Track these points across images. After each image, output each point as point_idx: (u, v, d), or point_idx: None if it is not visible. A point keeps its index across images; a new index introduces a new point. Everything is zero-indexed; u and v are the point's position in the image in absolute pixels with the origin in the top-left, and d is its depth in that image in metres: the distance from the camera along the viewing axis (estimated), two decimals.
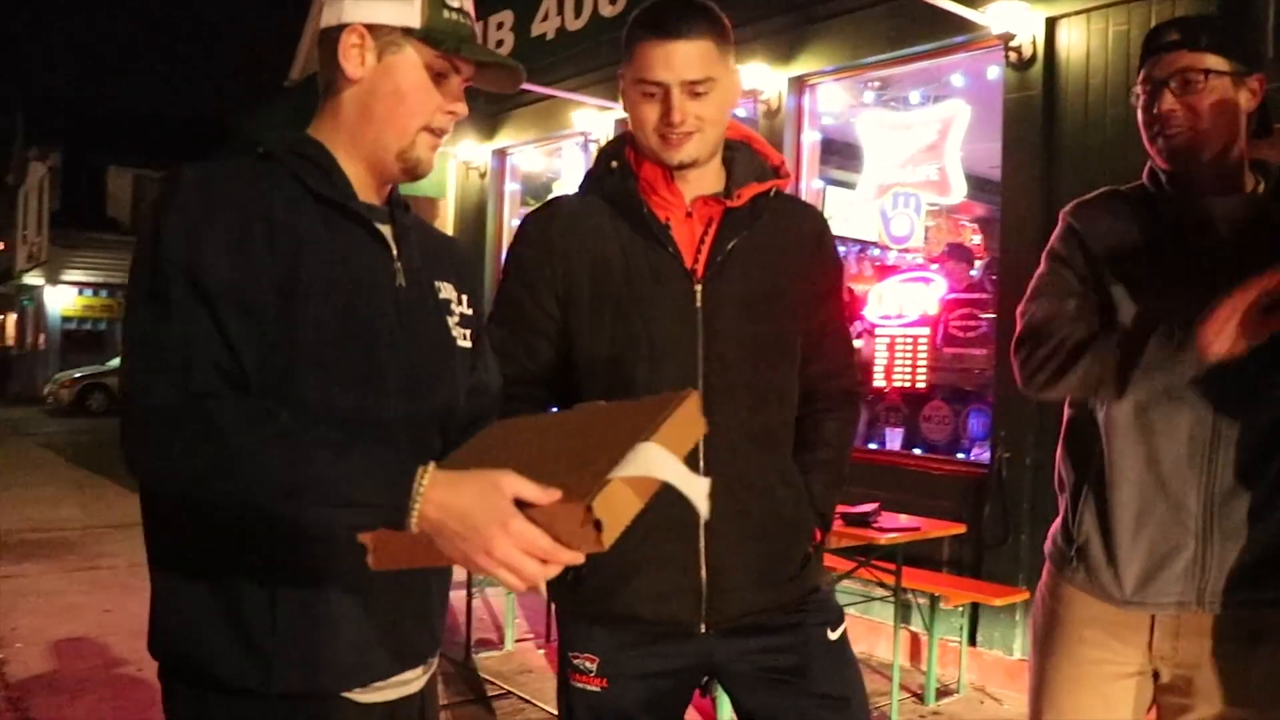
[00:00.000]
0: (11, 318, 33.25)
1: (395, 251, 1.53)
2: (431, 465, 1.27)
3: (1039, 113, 4.82)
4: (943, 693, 4.72)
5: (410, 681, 1.55)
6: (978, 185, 5.93)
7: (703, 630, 1.90)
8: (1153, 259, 1.95)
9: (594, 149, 7.58)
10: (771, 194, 2.00)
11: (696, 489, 1.32)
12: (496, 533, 1.20)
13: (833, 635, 2.01)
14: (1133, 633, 1.96)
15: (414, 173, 1.52)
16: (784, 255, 1.99)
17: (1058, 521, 2.10)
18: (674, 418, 1.37)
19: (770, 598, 1.93)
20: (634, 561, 1.81)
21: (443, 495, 1.24)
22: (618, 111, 7.31)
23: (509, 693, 4.62)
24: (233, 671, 1.39)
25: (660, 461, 1.27)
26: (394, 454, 1.32)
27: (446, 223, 9.04)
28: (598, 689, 1.93)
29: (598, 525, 1.18)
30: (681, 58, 1.83)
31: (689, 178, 1.94)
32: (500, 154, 8.69)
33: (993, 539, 4.82)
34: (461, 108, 1.53)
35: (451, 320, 1.62)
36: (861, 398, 2.18)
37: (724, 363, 1.90)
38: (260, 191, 1.41)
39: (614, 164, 1.98)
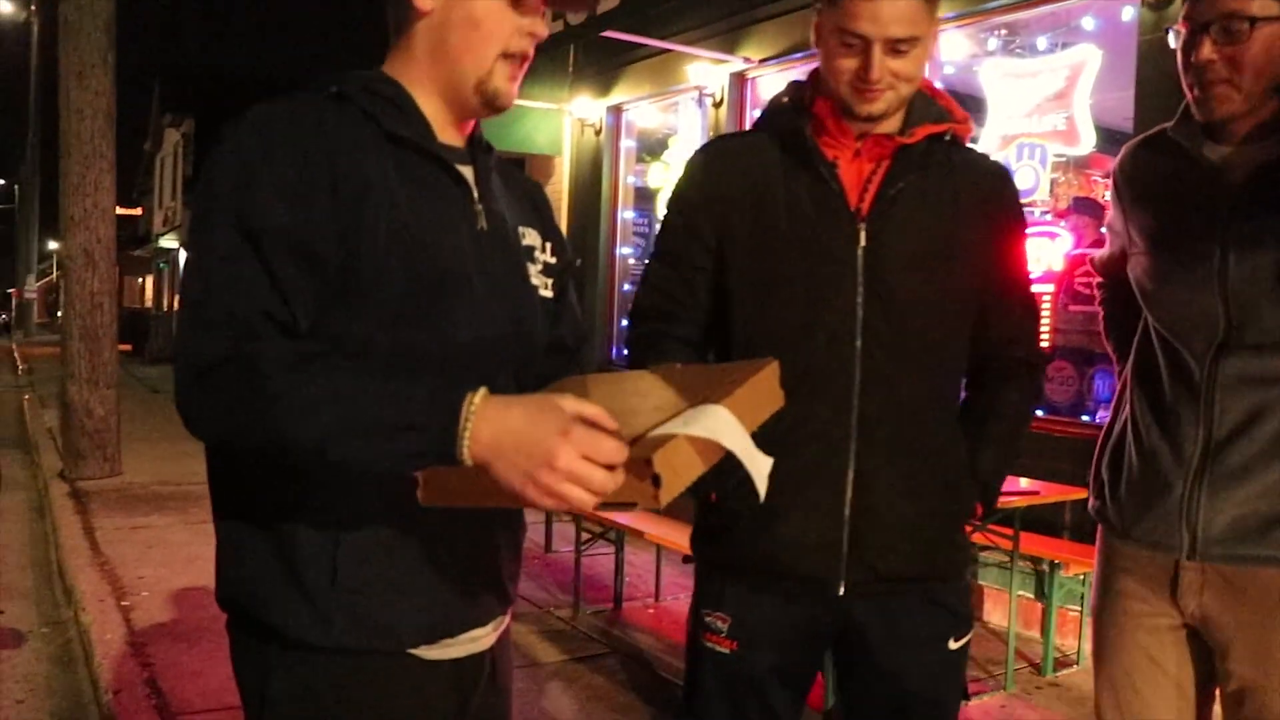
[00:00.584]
0: (149, 280, 34.50)
1: (476, 194, 1.46)
2: (483, 389, 1.19)
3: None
4: (1061, 663, 4.56)
5: (479, 639, 1.49)
6: (1108, 138, 5.66)
7: (841, 592, 1.81)
8: (1169, 206, 1.88)
9: (709, 103, 7.49)
10: (948, 138, 1.87)
11: (759, 466, 1.25)
12: (559, 442, 1.13)
13: (954, 645, 1.90)
14: (1158, 582, 1.89)
15: (494, 104, 1.45)
16: (958, 205, 1.87)
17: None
18: (750, 384, 1.30)
19: (916, 564, 1.84)
20: (779, 506, 1.71)
21: (497, 413, 1.17)
22: (734, 65, 7.22)
23: (612, 651, 4.61)
24: (293, 624, 1.35)
25: (727, 427, 1.21)
26: (442, 380, 1.24)
27: (562, 180, 9.04)
28: (727, 651, 1.87)
29: (656, 480, 1.12)
30: (890, 14, 1.71)
31: (870, 123, 1.83)
32: (615, 110, 8.63)
33: None
34: (541, 28, 1.44)
35: (534, 268, 1.55)
36: (1043, 370, 2.05)
37: (886, 311, 1.80)
38: (325, 132, 1.34)
39: (786, 99, 1.91)
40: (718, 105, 7.41)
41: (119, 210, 9.19)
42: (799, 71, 7.54)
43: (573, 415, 1.15)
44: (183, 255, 28.75)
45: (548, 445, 1.13)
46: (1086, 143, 5.37)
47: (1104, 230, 2.15)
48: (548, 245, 1.60)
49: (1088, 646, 4.59)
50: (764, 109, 1.98)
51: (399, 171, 1.38)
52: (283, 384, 1.20)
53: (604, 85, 8.54)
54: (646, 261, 2.03)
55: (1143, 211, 1.93)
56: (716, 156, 1.96)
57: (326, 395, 1.20)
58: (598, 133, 8.71)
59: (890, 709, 1.90)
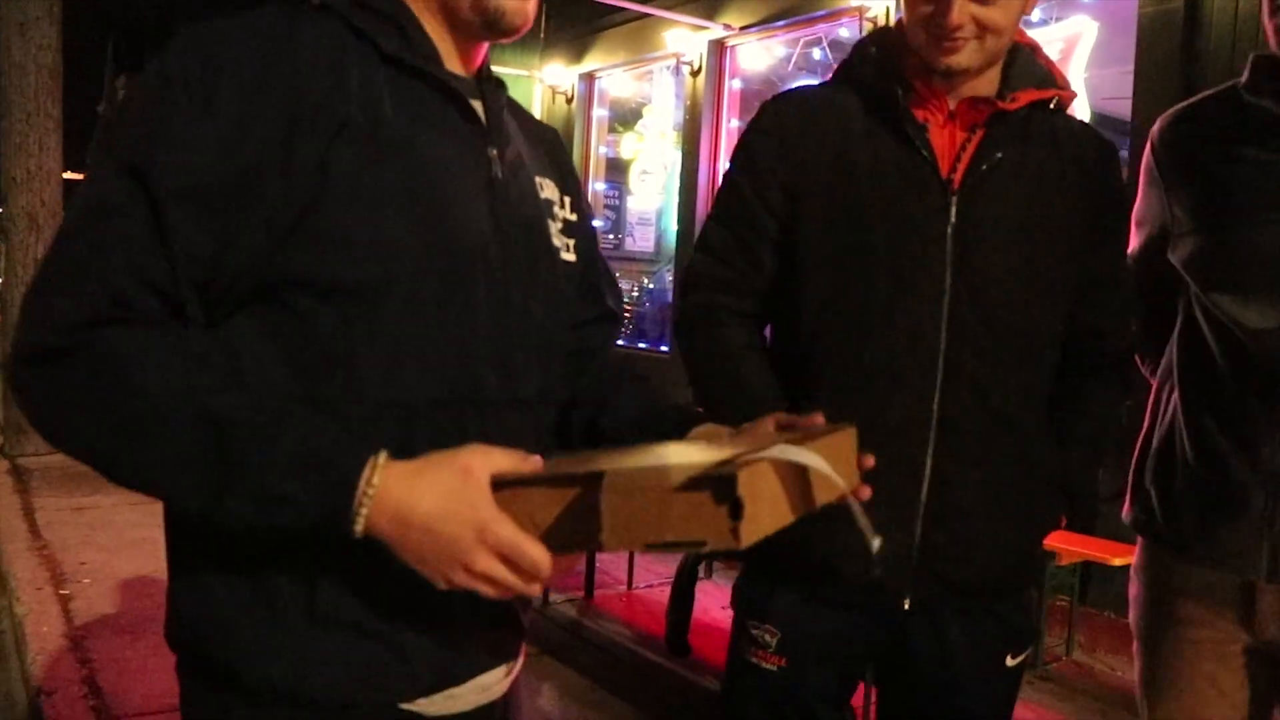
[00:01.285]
0: None
1: (490, 135, 1.21)
2: (383, 455, 0.99)
3: (1179, 28, 4.37)
4: (1051, 656, 4.41)
5: (490, 687, 1.23)
6: (1098, 123, 5.49)
7: (906, 605, 1.62)
8: (1239, 174, 1.67)
9: (686, 72, 7.27)
10: (1053, 105, 1.67)
11: (865, 522, 1.06)
12: (471, 544, 0.96)
13: (1011, 661, 1.72)
14: (1226, 604, 1.69)
15: (497, 24, 1.17)
16: (1061, 179, 1.65)
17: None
18: (827, 441, 1.10)
19: (990, 577, 1.66)
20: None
21: (399, 495, 0.98)
22: (713, 31, 7.00)
23: (585, 643, 4.39)
24: (260, 671, 1.09)
25: (826, 465, 1.01)
26: (335, 436, 1.01)
27: None
28: (774, 668, 1.68)
29: (736, 509, 0.87)
30: None
31: (955, 81, 1.62)
32: (588, 78, 8.41)
33: (1108, 493, 4.45)
34: None
35: (554, 226, 1.30)
36: (1134, 366, 1.83)
37: (976, 294, 1.59)
38: (294, 50, 1.08)
39: (872, 49, 1.68)
40: (695, 74, 7.19)
41: (70, 174, 8.84)
42: (781, 40, 7.38)
43: (487, 478, 0.97)
44: None
45: (460, 548, 0.97)
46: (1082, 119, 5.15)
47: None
48: (566, 200, 1.35)
49: (1080, 637, 4.55)
50: (845, 58, 1.75)
51: (398, 102, 1.12)
52: (142, 393, 0.98)
53: (577, 51, 8.30)
54: (704, 223, 1.79)
55: (1195, 186, 1.72)
56: (792, 109, 1.72)
57: (195, 428, 0.98)
58: (569, 101, 8.49)
59: None
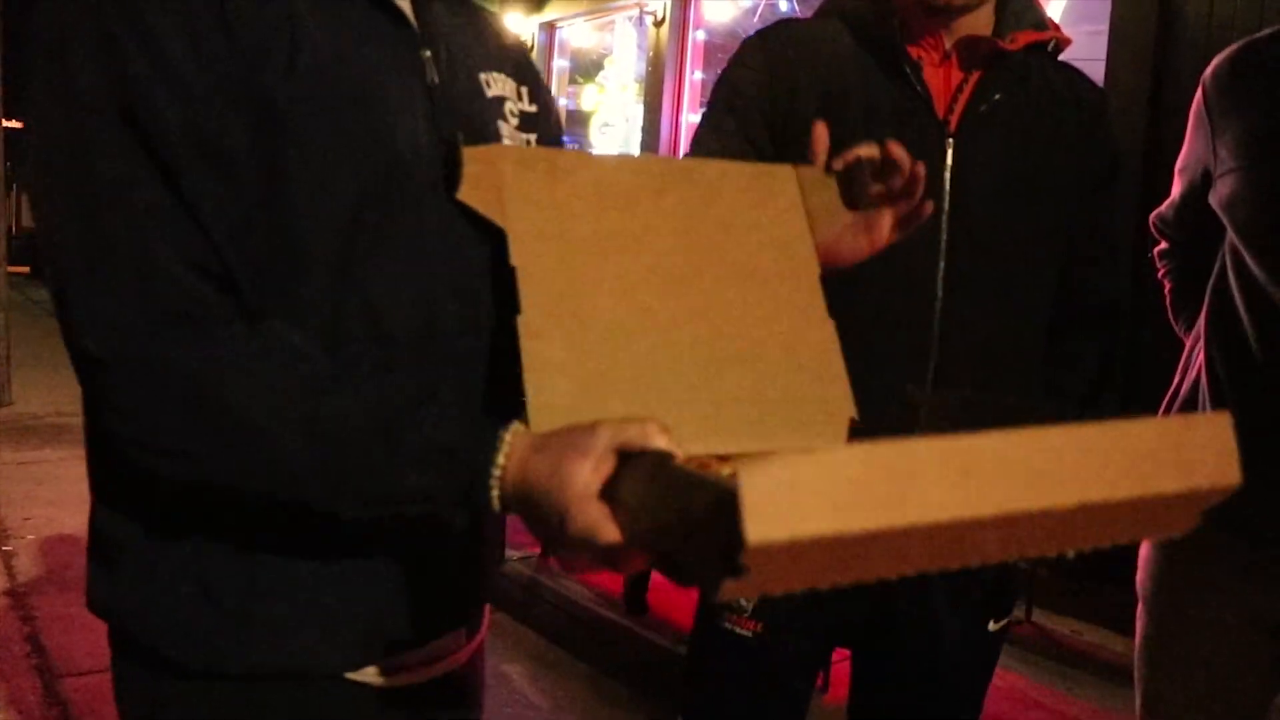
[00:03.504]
0: None
1: (419, 36, 1.11)
2: (510, 432, 0.92)
3: None
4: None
5: (447, 656, 1.16)
6: None
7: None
8: None
9: (650, 22, 7.13)
10: (1050, 47, 1.61)
11: None
12: (556, 527, 0.87)
13: (993, 626, 1.67)
14: (1249, 573, 1.64)
15: None
16: (1058, 125, 1.59)
17: None
18: None
19: None
20: None
21: (518, 471, 0.90)
22: None
23: (541, 601, 4.34)
24: (191, 642, 1.02)
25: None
26: (466, 417, 0.94)
27: None
28: (749, 634, 1.61)
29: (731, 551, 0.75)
30: None
31: (952, 17, 1.54)
32: (548, 27, 8.22)
33: None
34: None
35: (507, 126, 1.19)
36: (1123, 319, 1.76)
37: (974, 243, 1.52)
38: None
39: None
40: (659, 24, 7.05)
41: (11, 123, 8.54)
42: None
43: (614, 446, 0.87)
44: None
45: (551, 525, 0.88)
46: None
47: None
48: (522, 90, 1.24)
49: (1041, 599, 4.53)
50: None
51: (321, 18, 1.01)
52: (242, 409, 0.90)
53: (536, 0, 8.12)
54: (696, 129, 1.69)
55: (1243, 121, 1.65)
56: (781, 43, 1.63)
57: (310, 442, 0.91)
58: (529, 50, 8.27)
59: (913, 692, 1.67)
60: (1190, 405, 1.70)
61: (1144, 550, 1.79)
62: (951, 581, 1.60)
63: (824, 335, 1.18)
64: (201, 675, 1.02)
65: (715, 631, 1.65)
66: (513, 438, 0.91)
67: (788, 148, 1.57)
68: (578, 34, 8.26)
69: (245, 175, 0.94)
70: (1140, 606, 1.80)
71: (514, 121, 1.20)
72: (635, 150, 7.48)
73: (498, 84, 1.20)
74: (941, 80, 1.57)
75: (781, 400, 1.12)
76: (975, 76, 1.56)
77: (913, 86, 1.54)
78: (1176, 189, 1.82)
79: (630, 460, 0.85)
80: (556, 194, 1.10)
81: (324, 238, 0.98)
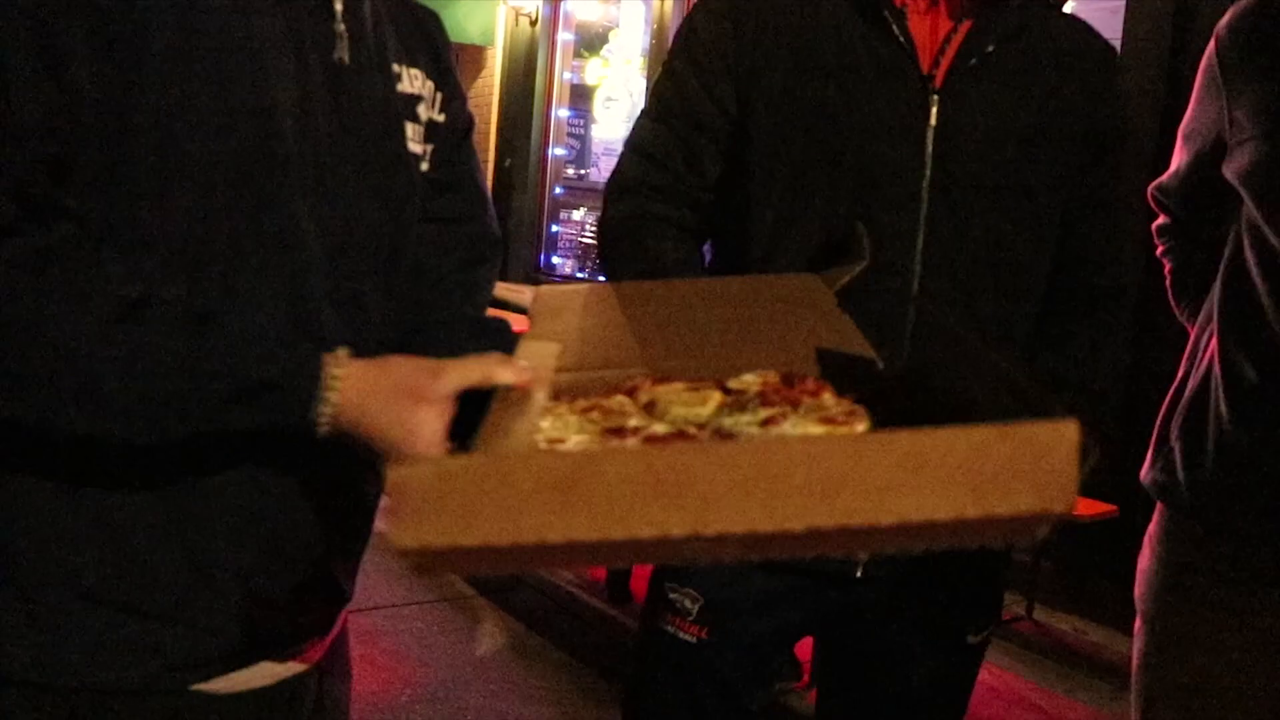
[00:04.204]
0: None
1: (338, 8, 1.00)
2: (340, 355, 0.90)
3: None
4: (1009, 615, 4.26)
5: (298, 656, 1.06)
6: None
7: (858, 573, 1.42)
8: None
9: None
10: None
11: None
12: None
13: (973, 639, 1.51)
14: (1262, 580, 1.48)
15: None
16: (1058, 83, 1.43)
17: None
18: None
19: None
20: None
21: (364, 407, 0.89)
22: None
23: (521, 585, 4.20)
24: (9, 652, 0.92)
25: None
26: (289, 350, 0.91)
27: (493, 74, 8.51)
28: (692, 639, 1.46)
29: None
30: None
31: None
32: (553, 1, 8.08)
33: (1093, 448, 4.28)
34: None
35: (413, 129, 1.10)
36: (1128, 302, 1.58)
37: (956, 212, 1.37)
38: None
39: None
40: None
41: None
42: None
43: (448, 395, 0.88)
44: None
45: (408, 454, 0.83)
46: None
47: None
48: (438, 97, 1.14)
49: (1042, 595, 4.39)
50: None
51: None
52: (33, 307, 0.83)
53: None
54: (635, 119, 1.56)
55: (1264, 84, 1.48)
56: None
57: (116, 356, 0.85)
58: (533, 23, 8.17)
59: (885, 708, 1.52)
60: (1200, 401, 1.52)
61: (1143, 560, 1.62)
62: (926, 589, 1.45)
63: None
64: (19, 683, 0.92)
65: (658, 636, 1.50)
66: (342, 371, 0.87)
67: (752, 105, 1.41)
68: (583, 7, 8.13)
69: (86, 96, 0.86)
70: (1139, 622, 1.62)
71: (420, 127, 1.12)
72: None
73: (415, 82, 1.12)
74: (927, 29, 1.40)
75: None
76: (965, 26, 1.40)
77: (894, 36, 1.38)
78: (1181, 157, 1.64)
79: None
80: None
81: (172, 193, 0.90)
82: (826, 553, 0.69)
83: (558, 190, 8.20)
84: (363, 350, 0.96)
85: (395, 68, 1.09)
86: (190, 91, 0.88)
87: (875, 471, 0.65)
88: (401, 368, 0.89)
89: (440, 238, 1.18)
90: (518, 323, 1.18)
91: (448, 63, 1.19)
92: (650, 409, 0.97)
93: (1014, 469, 0.65)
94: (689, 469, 0.64)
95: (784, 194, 1.40)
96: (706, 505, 0.64)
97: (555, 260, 8.19)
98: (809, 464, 0.65)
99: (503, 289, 6.19)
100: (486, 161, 8.25)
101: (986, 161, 1.38)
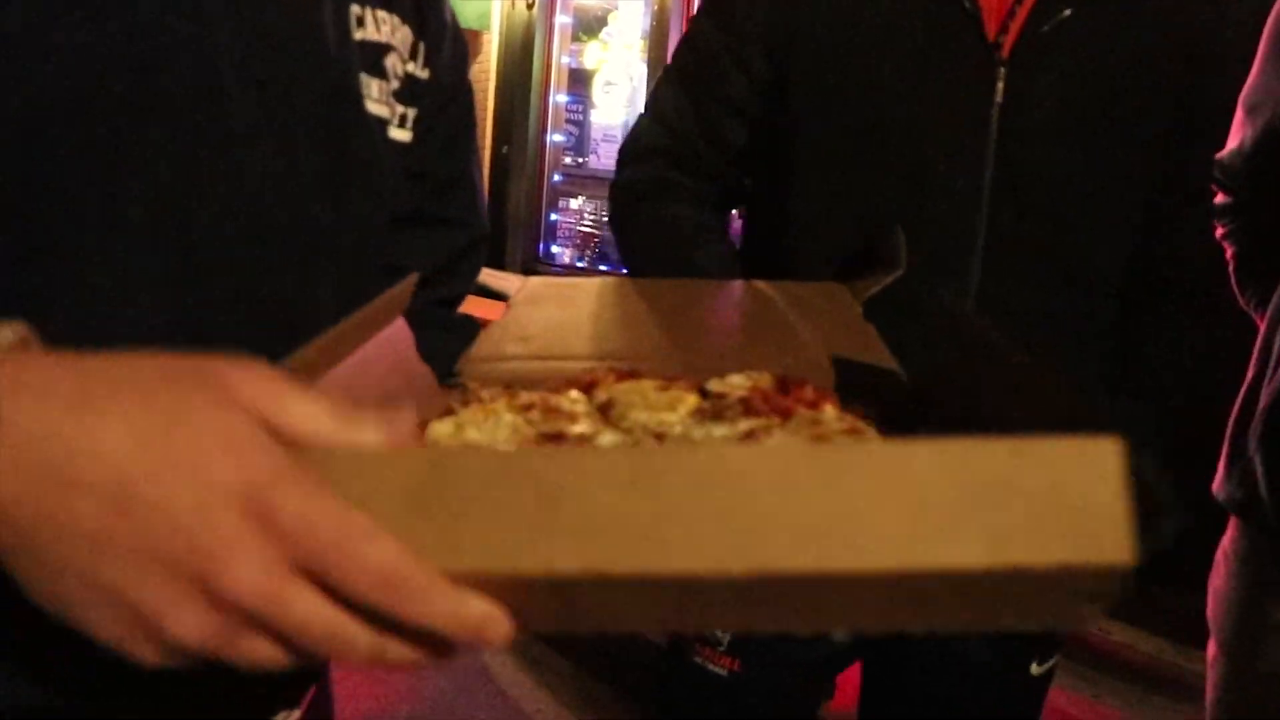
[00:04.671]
0: None
1: None
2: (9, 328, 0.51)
3: None
4: None
5: None
6: None
7: None
8: None
9: None
10: None
11: None
12: (235, 525, 0.44)
13: (1036, 669, 1.38)
14: None
15: None
16: (1148, 48, 1.26)
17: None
18: None
19: None
20: None
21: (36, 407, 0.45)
22: None
23: None
24: None
25: None
26: None
27: (490, 59, 8.32)
28: (724, 672, 1.35)
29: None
30: None
31: None
32: None
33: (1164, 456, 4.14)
34: None
35: (377, 86, 0.89)
36: (1217, 306, 1.42)
37: (1024, 200, 1.22)
38: None
39: None
40: None
41: None
42: None
43: (270, 418, 0.48)
44: None
45: (204, 528, 0.44)
46: None
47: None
48: (419, 46, 0.94)
49: None
50: None
51: None
52: None
53: None
54: (656, 84, 1.43)
55: None
56: None
57: None
58: (530, 6, 8.00)
59: None
60: (1278, 410, 1.37)
61: (1217, 579, 1.47)
62: None
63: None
64: None
65: (686, 669, 1.37)
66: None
67: (788, 78, 1.25)
68: None
69: None
70: (1213, 646, 1.47)
71: (391, 84, 0.89)
72: (640, 108, 7.19)
73: (381, 26, 0.89)
74: None
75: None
76: None
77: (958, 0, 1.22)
78: (1245, 130, 1.49)
79: None
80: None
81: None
82: (782, 624, 0.53)
83: (556, 178, 8.02)
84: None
85: (356, 8, 0.88)
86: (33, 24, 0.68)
87: (838, 496, 0.46)
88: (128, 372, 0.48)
89: (426, 242, 1.02)
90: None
91: (434, 8, 0.98)
92: (606, 411, 0.79)
93: (1040, 500, 0.46)
94: (581, 474, 0.47)
95: (821, 183, 1.28)
96: (606, 532, 0.46)
97: (555, 249, 8.03)
98: (745, 479, 0.47)
99: (491, 278, 6.01)
100: (483, 149, 8.09)
101: (1060, 143, 1.23)
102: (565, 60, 7.99)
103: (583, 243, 7.97)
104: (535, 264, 7.78)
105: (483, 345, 0.93)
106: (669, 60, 1.42)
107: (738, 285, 1.26)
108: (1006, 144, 1.23)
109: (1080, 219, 1.26)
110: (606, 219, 7.97)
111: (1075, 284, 1.29)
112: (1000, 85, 1.22)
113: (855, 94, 1.26)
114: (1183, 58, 1.29)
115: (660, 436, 0.74)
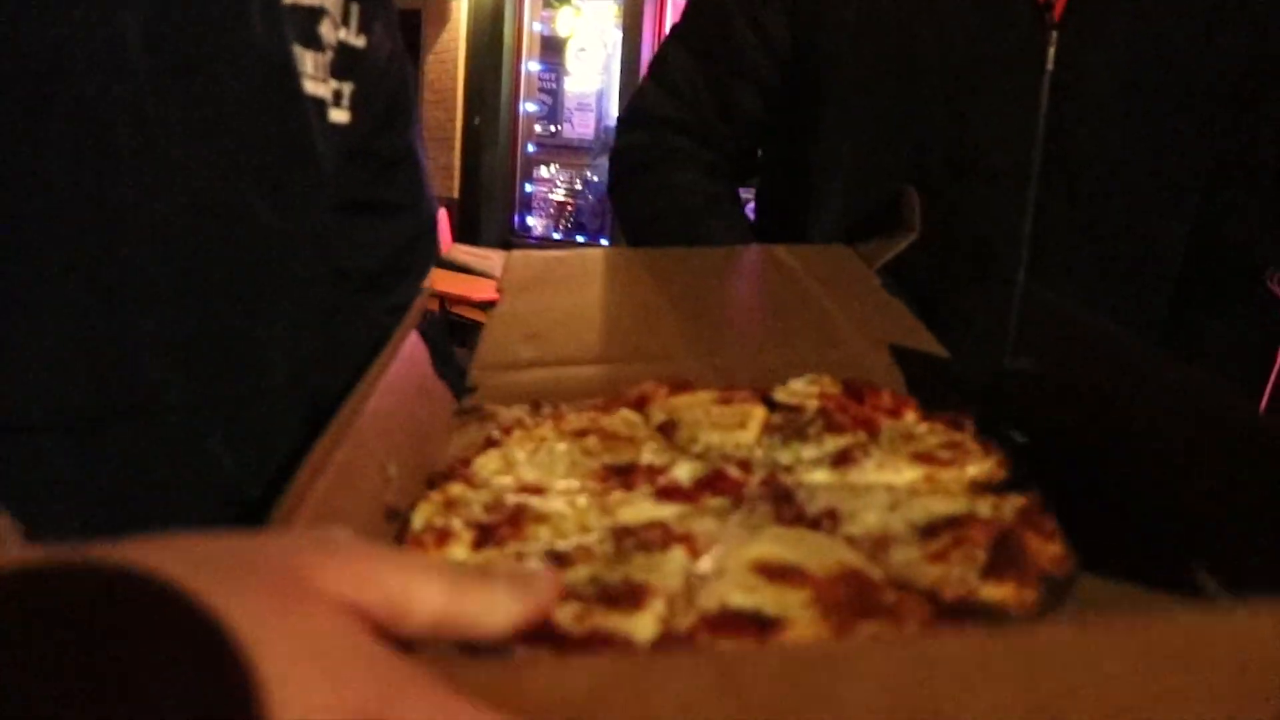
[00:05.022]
0: None
1: None
2: None
3: None
4: None
5: None
6: None
7: None
8: None
9: None
10: None
11: None
12: None
13: None
14: None
15: None
16: (1216, 13, 1.13)
17: None
18: None
19: None
20: None
21: None
22: None
23: None
24: None
25: None
26: None
27: (459, 26, 8.18)
28: None
29: None
30: None
31: None
32: None
33: None
34: None
35: (313, 60, 0.75)
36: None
37: (1076, 182, 1.09)
38: None
39: None
40: None
41: None
42: None
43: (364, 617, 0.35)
44: None
45: None
46: None
47: None
48: (352, 10, 0.80)
49: None
50: None
51: None
52: None
53: None
54: (661, 46, 1.29)
55: None
56: None
57: None
58: None
59: None
60: None
61: None
62: None
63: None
64: None
65: None
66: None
67: (812, 46, 1.13)
68: None
69: None
70: None
71: (326, 55, 0.76)
72: (615, 75, 7.09)
73: None
74: None
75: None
76: None
77: None
78: None
79: None
80: None
81: None
82: None
83: (530, 148, 7.93)
84: (261, 394, 0.66)
85: None
86: None
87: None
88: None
89: (372, 234, 0.88)
90: (483, 290, 0.90)
91: None
92: (669, 432, 0.72)
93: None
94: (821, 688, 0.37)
95: (852, 164, 1.14)
96: None
97: (530, 221, 7.90)
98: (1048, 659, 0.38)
99: (467, 254, 5.80)
100: (454, 120, 7.93)
101: (1116, 118, 1.11)
102: (537, 27, 7.85)
103: (557, 213, 7.85)
104: (510, 237, 7.65)
105: (490, 349, 0.84)
106: (648, 25, 1.31)
107: (750, 254, 1.14)
108: (1057, 117, 1.11)
109: (1135, 201, 1.15)
110: (581, 188, 7.87)
111: (1127, 273, 1.17)
112: (1051, 51, 1.09)
113: (891, 64, 1.13)
114: (1249, 23, 1.17)
115: (744, 465, 0.67)
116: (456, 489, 0.62)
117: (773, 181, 1.28)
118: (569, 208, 7.91)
